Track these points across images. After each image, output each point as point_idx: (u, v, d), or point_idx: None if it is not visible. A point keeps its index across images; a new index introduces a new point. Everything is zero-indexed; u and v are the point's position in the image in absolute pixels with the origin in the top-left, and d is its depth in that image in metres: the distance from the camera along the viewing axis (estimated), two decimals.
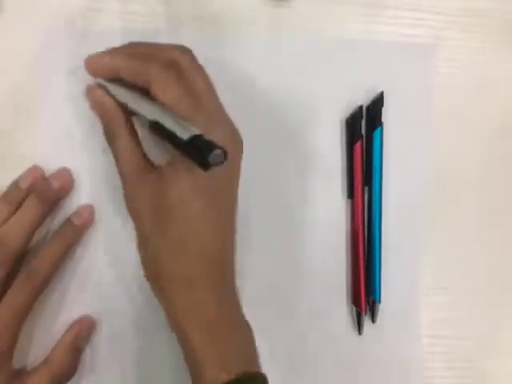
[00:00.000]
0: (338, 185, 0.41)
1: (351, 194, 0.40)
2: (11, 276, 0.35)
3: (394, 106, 0.41)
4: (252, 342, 0.34)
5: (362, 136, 0.40)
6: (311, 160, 0.41)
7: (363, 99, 0.41)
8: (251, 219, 0.39)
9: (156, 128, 0.30)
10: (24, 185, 0.37)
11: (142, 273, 0.39)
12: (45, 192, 0.37)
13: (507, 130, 0.43)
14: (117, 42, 0.39)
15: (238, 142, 0.34)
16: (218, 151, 0.25)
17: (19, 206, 0.36)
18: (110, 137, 0.35)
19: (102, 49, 0.39)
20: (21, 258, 0.36)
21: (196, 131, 0.27)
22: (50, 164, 0.38)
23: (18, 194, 0.37)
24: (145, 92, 0.33)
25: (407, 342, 0.42)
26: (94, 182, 0.39)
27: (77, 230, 0.38)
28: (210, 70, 0.40)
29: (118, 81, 0.34)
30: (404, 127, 0.41)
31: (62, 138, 0.39)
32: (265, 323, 0.40)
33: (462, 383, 0.43)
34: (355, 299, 0.41)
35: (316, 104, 0.41)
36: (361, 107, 0.40)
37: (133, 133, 0.35)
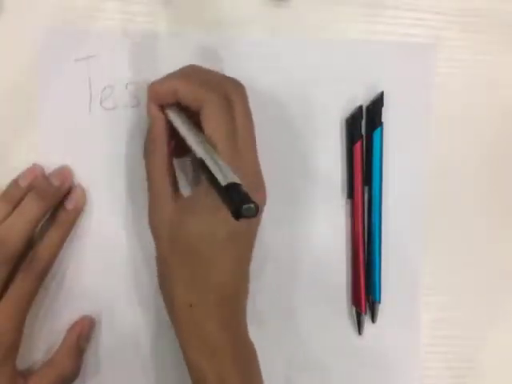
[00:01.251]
0: (337, 185, 0.41)
1: (351, 193, 0.40)
2: (13, 274, 0.36)
3: (394, 105, 0.41)
4: (257, 369, 0.35)
5: (361, 136, 0.40)
6: (311, 160, 0.41)
7: (363, 99, 0.41)
8: None
9: (199, 163, 0.30)
10: (24, 183, 0.37)
11: (141, 274, 0.39)
12: (45, 189, 0.37)
13: (507, 130, 0.43)
14: (117, 42, 0.39)
15: (264, 195, 0.35)
16: (251, 206, 0.26)
17: (19, 204, 0.36)
18: (148, 151, 0.35)
19: (101, 49, 0.39)
20: (22, 256, 0.36)
21: (236, 179, 0.27)
22: (50, 163, 0.38)
23: (17, 192, 0.37)
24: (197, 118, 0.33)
25: (407, 342, 0.42)
26: (93, 182, 0.39)
27: (71, 214, 0.38)
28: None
29: (177, 110, 0.34)
30: (404, 127, 0.41)
31: (61, 138, 0.39)
32: (265, 323, 0.40)
33: (461, 383, 0.43)
34: (355, 299, 0.41)
35: (316, 104, 0.41)
36: (361, 107, 0.40)
37: (170, 155, 0.35)
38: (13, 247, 0.35)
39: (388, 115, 0.41)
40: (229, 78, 0.36)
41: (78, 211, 0.38)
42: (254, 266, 0.36)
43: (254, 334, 0.35)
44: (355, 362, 0.41)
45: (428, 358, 0.42)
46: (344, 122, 0.41)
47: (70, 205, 0.38)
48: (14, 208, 0.36)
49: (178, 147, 0.36)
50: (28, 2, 0.39)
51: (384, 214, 0.41)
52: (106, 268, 0.39)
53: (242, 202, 0.26)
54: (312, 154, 0.41)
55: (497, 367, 0.43)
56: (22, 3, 0.39)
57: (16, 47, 0.39)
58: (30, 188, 0.37)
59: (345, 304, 0.41)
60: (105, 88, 0.39)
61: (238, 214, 0.26)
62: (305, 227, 0.41)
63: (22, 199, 0.36)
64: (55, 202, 0.38)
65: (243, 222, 0.26)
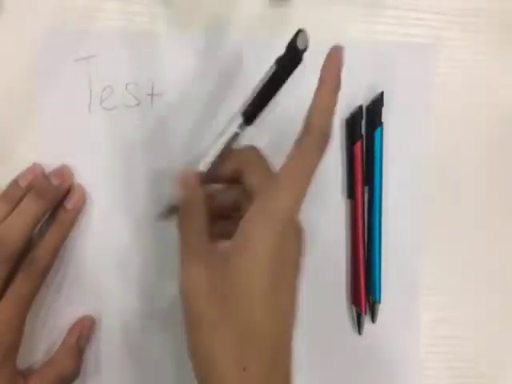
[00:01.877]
0: (337, 185, 0.41)
1: (351, 194, 0.40)
2: (13, 274, 0.36)
3: (394, 106, 0.41)
4: None
5: (362, 136, 0.40)
6: None
7: (363, 99, 0.41)
8: None
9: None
10: (24, 183, 0.37)
11: (142, 274, 0.39)
12: (44, 189, 0.37)
13: (507, 130, 0.43)
14: (117, 42, 0.39)
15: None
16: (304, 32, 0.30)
17: (19, 204, 0.36)
18: (185, 216, 0.32)
19: (101, 49, 0.39)
20: (22, 256, 0.36)
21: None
22: (50, 163, 0.38)
23: (17, 192, 0.37)
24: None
25: (407, 342, 0.42)
26: (93, 182, 0.39)
27: (71, 214, 0.38)
28: (210, 71, 0.40)
29: None
30: (404, 127, 0.41)
31: (61, 138, 0.39)
32: None
33: (461, 383, 0.43)
34: (355, 299, 0.41)
35: None
36: (361, 107, 0.40)
37: (206, 216, 0.32)
38: (13, 246, 0.35)
39: (388, 115, 0.41)
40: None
41: (78, 211, 0.38)
42: None
43: None
44: (355, 361, 0.41)
45: (428, 358, 0.42)
46: (344, 122, 0.41)
47: (69, 204, 0.38)
48: (14, 208, 0.36)
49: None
50: (28, 2, 0.39)
51: (384, 214, 0.41)
52: (106, 268, 0.39)
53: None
54: None
55: (497, 367, 0.43)
56: (21, 3, 0.39)
57: (16, 47, 0.39)
58: (29, 188, 0.37)
59: (344, 304, 0.41)
60: (105, 88, 0.39)
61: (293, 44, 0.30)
62: (305, 227, 0.41)
63: (21, 199, 0.36)
64: (55, 202, 0.38)
65: (291, 253, 0.29)
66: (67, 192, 0.38)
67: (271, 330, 0.29)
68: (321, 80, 0.31)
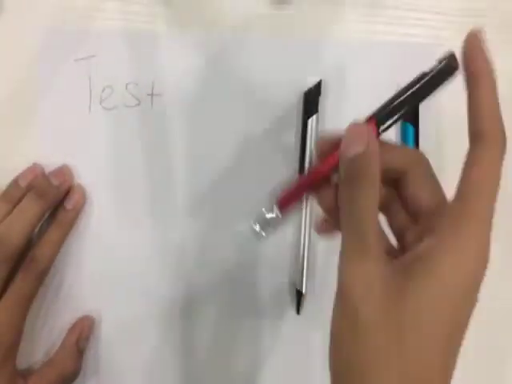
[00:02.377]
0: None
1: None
2: (13, 274, 0.36)
3: None
4: None
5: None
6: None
7: (364, 99, 0.41)
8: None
9: None
10: (23, 183, 0.37)
11: (142, 273, 0.39)
12: (44, 189, 0.37)
13: (507, 129, 0.43)
14: (117, 42, 0.39)
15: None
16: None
17: (19, 204, 0.36)
18: (359, 186, 0.24)
19: (101, 49, 0.39)
20: (21, 256, 0.36)
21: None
22: (50, 163, 0.38)
23: (17, 192, 0.37)
24: None
25: None
26: (93, 182, 0.39)
27: (71, 214, 0.38)
28: (210, 71, 0.40)
29: None
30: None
31: (61, 138, 0.39)
32: (264, 322, 0.40)
33: (461, 383, 0.42)
34: None
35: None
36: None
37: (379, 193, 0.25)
38: (13, 246, 0.35)
39: None
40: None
41: (78, 211, 0.38)
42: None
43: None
44: None
45: None
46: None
47: (69, 205, 0.38)
48: (14, 207, 0.36)
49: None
50: (28, 2, 0.39)
51: None
52: (106, 268, 0.39)
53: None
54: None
55: (497, 367, 0.42)
56: (22, 3, 0.39)
57: (16, 47, 0.39)
58: (29, 188, 0.37)
59: None
60: (105, 88, 0.39)
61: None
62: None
63: (21, 199, 0.37)
64: (55, 201, 0.38)
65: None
66: (67, 192, 0.38)
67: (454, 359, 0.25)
68: (475, 76, 0.26)
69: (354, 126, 0.25)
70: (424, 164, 0.28)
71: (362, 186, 0.24)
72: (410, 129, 0.41)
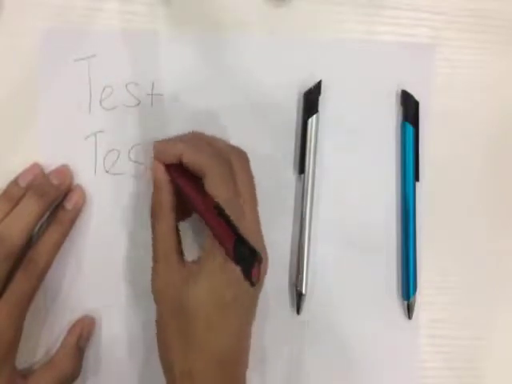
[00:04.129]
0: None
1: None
2: (12, 273, 0.36)
3: None
4: None
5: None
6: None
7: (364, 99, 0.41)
8: None
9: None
10: (23, 183, 0.37)
11: (141, 273, 0.39)
12: (44, 188, 0.37)
13: (507, 130, 0.43)
14: (117, 42, 0.39)
15: (266, 259, 0.35)
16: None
17: (19, 203, 0.36)
18: (155, 216, 0.35)
19: (101, 49, 0.39)
20: (21, 255, 0.36)
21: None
22: (50, 163, 0.38)
23: (17, 191, 0.37)
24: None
25: (407, 342, 0.42)
26: (93, 183, 0.39)
27: (70, 214, 0.38)
28: (210, 71, 0.40)
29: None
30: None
31: (61, 138, 0.39)
32: (264, 322, 0.40)
33: (461, 383, 0.42)
34: None
35: None
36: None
37: (175, 220, 0.35)
38: (12, 245, 0.35)
39: None
40: (231, 145, 0.36)
41: (77, 211, 0.38)
42: None
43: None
44: (355, 361, 0.41)
45: (428, 358, 0.42)
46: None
47: (69, 205, 0.38)
48: (14, 207, 0.36)
49: (181, 210, 0.35)
50: (28, 2, 0.39)
51: (385, 214, 0.41)
52: (106, 268, 0.39)
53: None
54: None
55: (497, 367, 0.42)
56: (22, 3, 0.39)
57: (16, 47, 0.39)
58: (29, 187, 0.37)
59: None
60: (105, 88, 0.39)
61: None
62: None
63: (21, 198, 0.37)
64: (54, 201, 0.38)
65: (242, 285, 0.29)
66: (67, 192, 0.38)
67: (230, 343, 0.33)
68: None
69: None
70: (213, 169, 0.33)
71: (159, 220, 0.34)
72: (410, 129, 0.41)
